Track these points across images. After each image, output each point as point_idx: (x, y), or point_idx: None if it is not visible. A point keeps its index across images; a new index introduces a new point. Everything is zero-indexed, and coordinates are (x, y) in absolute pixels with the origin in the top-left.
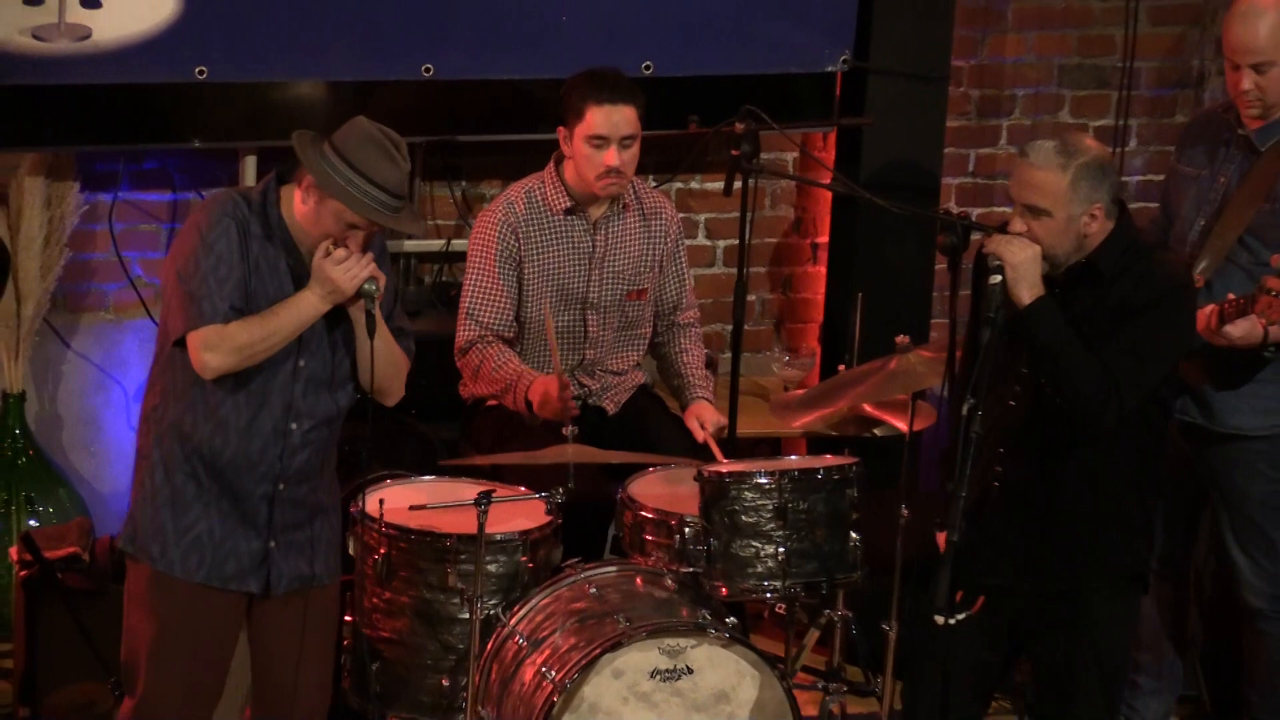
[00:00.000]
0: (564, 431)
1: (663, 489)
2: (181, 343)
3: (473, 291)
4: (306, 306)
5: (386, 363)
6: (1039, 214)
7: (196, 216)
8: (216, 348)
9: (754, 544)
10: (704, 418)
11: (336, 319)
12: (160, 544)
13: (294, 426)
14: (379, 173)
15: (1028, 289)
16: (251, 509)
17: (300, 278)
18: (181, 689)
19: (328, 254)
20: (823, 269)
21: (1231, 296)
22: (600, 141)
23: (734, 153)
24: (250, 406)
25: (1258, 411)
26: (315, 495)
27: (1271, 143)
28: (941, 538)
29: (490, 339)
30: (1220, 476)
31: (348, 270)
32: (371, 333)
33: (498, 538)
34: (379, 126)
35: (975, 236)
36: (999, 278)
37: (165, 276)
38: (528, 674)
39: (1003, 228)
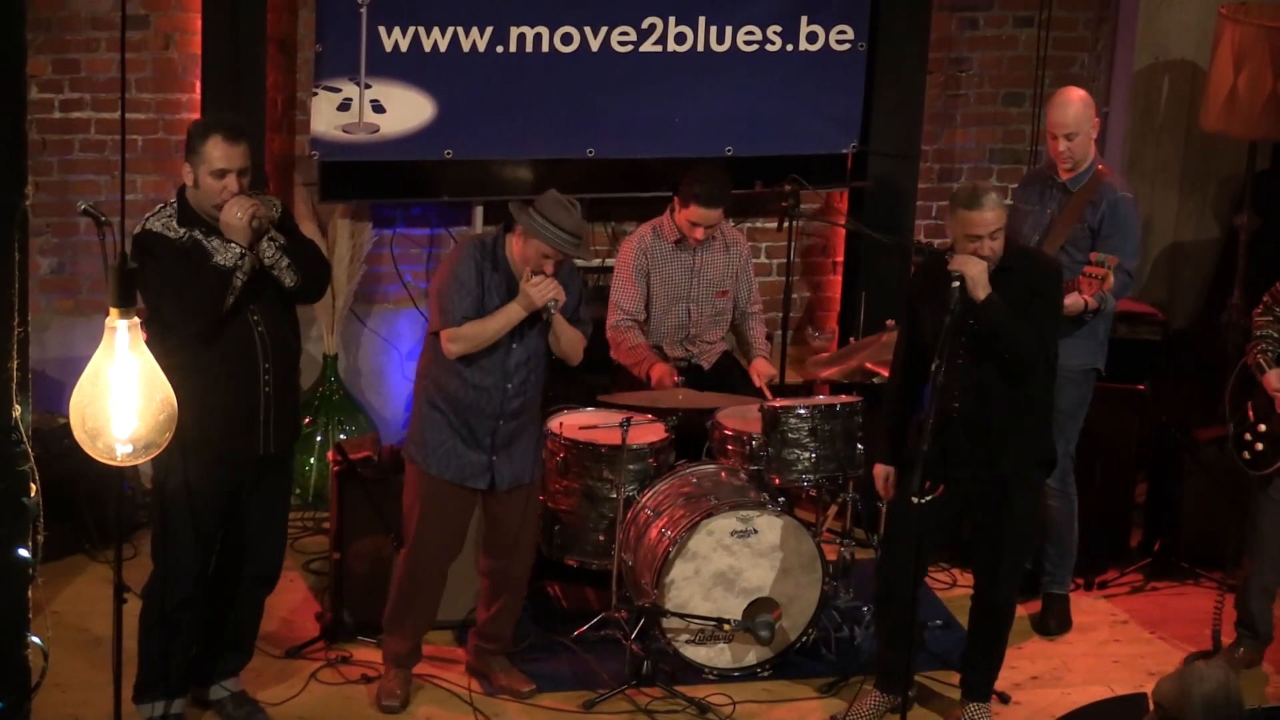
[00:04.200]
0: (675, 381)
1: (738, 416)
2: (436, 333)
3: (617, 290)
4: (511, 313)
5: (567, 342)
6: (996, 235)
7: (453, 254)
8: (455, 340)
9: (796, 451)
10: (760, 370)
11: (538, 322)
12: (424, 453)
13: (509, 386)
14: (563, 221)
15: (981, 289)
16: (482, 435)
17: (513, 293)
18: (435, 544)
19: (529, 279)
20: (839, 278)
21: None
22: (693, 225)
23: (783, 204)
24: (483, 372)
25: (1073, 353)
26: (526, 424)
27: (1079, 187)
28: (879, 471)
29: (630, 322)
30: None
31: (539, 290)
32: (548, 329)
33: (634, 447)
34: (562, 195)
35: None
36: (958, 283)
37: (431, 288)
38: (653, 533)
39: (951, 251)
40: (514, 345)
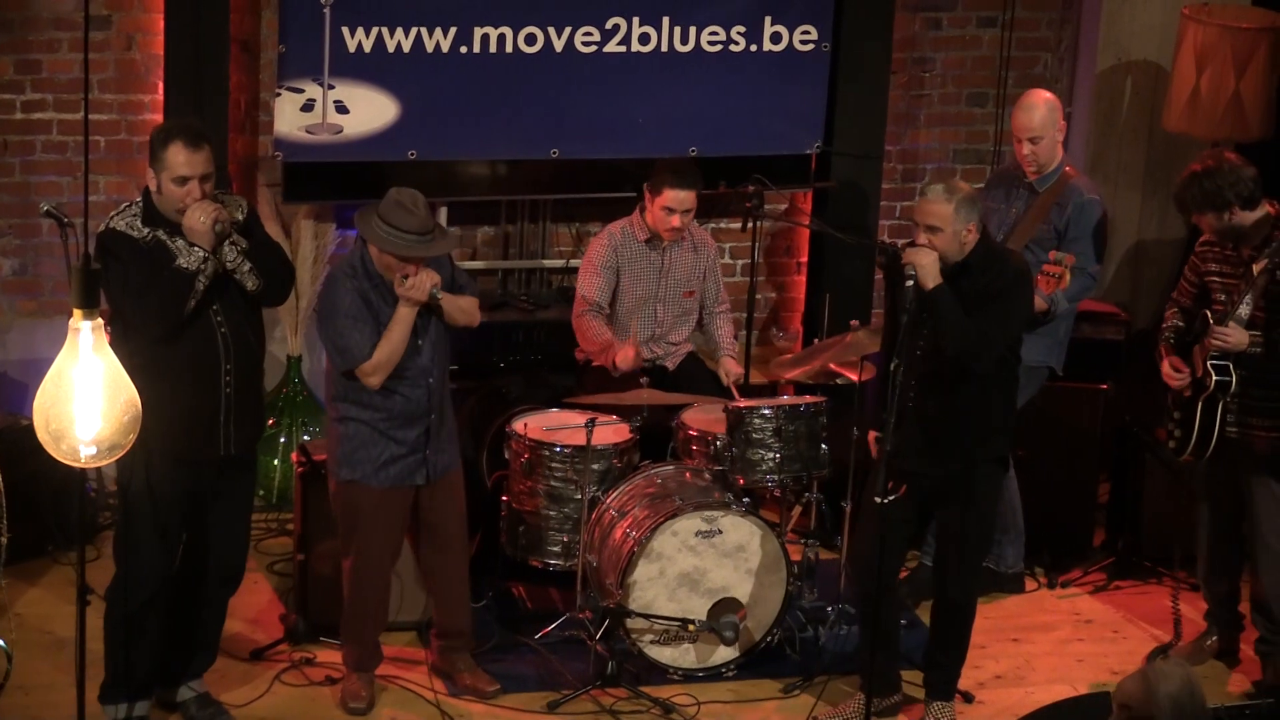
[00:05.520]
0: (640, 381)
1: (703, 417)
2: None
3: (584, 281)
4: (403, 317)
5: (462, 312)
6: (935, 231)
7: (326, 291)
8: (373, 373)
9: (760, 451)
10: (728, 369)
11: (424, 312)
12: (361, 470)
13: (430, 381)
14: (405, 223)
15: (931, 280)
16: (418, 434)
17: (394, 298)
18: (381, 551)
19: (402, 283)
20: (803, 278)
21: None
22: (669, 211)
23: (747, 204)
24: (405, 380)
25: (1028, 349)
26: (448, 416)
27: (1045, 188)
28: (872, 436)
29: (594, 310)
30: None
31: (415, 288)
32: (440, 313)
33: (598, 447)
34: (402, 191)
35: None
36: (912, 281)
37: (322, 332)
38: (617, 534)
39: (910, 244)
40: (420, 343)
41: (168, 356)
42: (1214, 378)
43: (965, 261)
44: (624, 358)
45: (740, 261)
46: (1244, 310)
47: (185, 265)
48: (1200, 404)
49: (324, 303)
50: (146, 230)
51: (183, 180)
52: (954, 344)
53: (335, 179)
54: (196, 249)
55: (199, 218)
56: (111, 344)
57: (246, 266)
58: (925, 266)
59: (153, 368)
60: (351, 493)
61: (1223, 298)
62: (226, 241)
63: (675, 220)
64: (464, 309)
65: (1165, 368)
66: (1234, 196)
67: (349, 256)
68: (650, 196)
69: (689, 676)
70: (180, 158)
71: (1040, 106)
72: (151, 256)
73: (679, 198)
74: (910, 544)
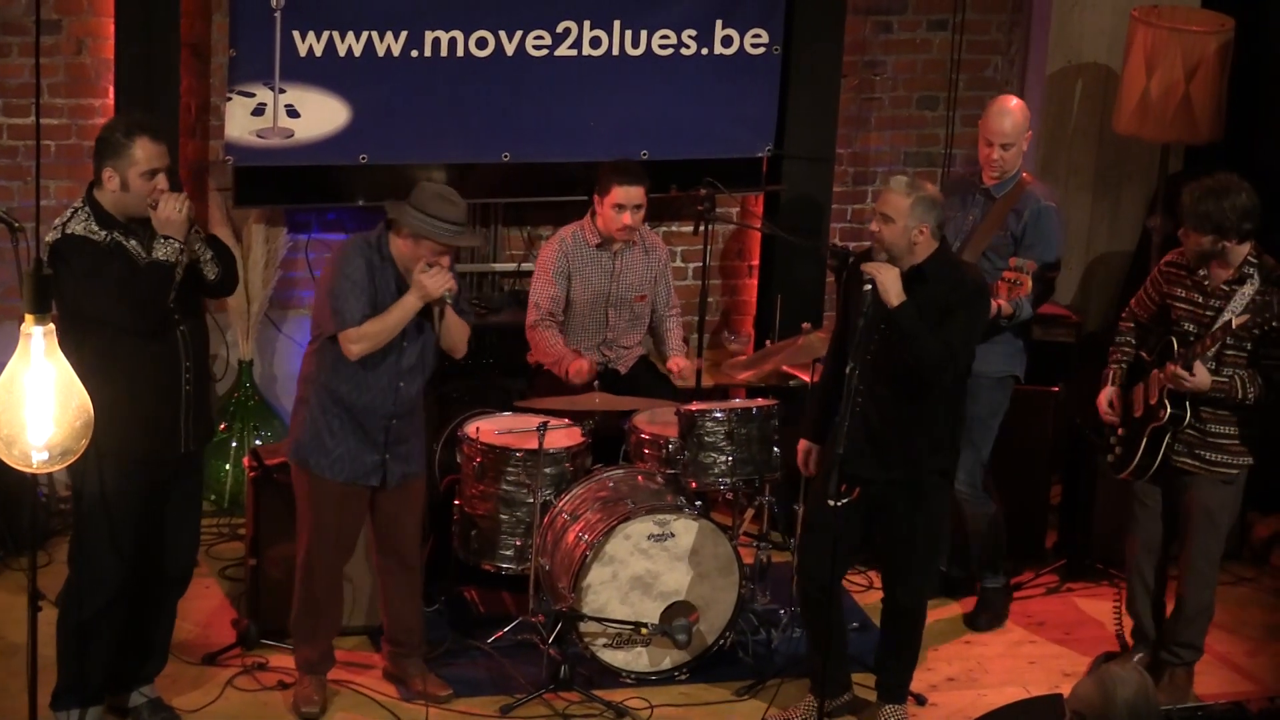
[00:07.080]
0: (593, 385)
1: (655, 420)
2: (334, 335)
3: (537, 289)
4: (408, 305)
5: (457, 332)
6: (887, 220)
7: (338, 254)
8: (358, 340)
9: (712, 454)
10: (677, 364)
11: (424, 317)
12: (317, 458)
13: (401, 385)
14: (444, 213)
15: (895, 296)
16: (375, 434)
17: (402, 288)
18: (332, 547)
19: (424, 271)
20: (755, 281)
21: None
22: (619, 209)
23: (699, 208)
24: (376, 374)
25: (991, 359)
26: (414, 423)
27: (1002, 194)
28: (802, 445)
29: (548, 321)
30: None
31: (435, 281)
32: (440, 321)
33: (551, 451)
34: (436, 184)
35: (849, 260)
36: (870, 286)
37: (320, 291)
38: (570, 537)
39: (868, 254)
40: (405, 345)
41: (130, 358)
42: (1168, 410)
43: (920, 268)
44: (577, 370)
45: (692, 265)
46: (1211, 351)
47: (164, 257)
48: (1148, 432)
49: (331, 266)
50: (104, 233)
51: (153, 173)
52: (919, 360)
53: (286, 183)
54: (172, 240)
55: (174, 207)
56: (62, 348)
57: (209, 254)
58: (887, 284)
59: (114, 370)
60: (307, 481)
61: (1189, 327)
62: (192, 230)
63: (627, 218)
64: (460, 329)
65: (1101, 401)
66: (1240, 232)
67: (367, 235)
68: (599, 198)
69: (642, 680)
70: (150, 151)
71: (1015, 113)
72: (118, 257)
73: (628, 193)
74: (854, 549)
